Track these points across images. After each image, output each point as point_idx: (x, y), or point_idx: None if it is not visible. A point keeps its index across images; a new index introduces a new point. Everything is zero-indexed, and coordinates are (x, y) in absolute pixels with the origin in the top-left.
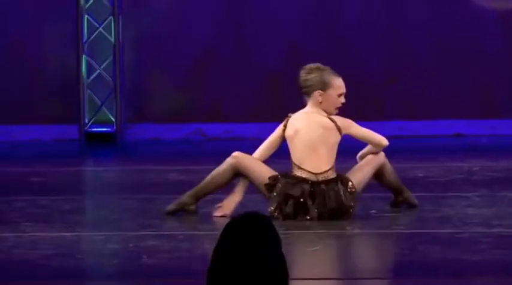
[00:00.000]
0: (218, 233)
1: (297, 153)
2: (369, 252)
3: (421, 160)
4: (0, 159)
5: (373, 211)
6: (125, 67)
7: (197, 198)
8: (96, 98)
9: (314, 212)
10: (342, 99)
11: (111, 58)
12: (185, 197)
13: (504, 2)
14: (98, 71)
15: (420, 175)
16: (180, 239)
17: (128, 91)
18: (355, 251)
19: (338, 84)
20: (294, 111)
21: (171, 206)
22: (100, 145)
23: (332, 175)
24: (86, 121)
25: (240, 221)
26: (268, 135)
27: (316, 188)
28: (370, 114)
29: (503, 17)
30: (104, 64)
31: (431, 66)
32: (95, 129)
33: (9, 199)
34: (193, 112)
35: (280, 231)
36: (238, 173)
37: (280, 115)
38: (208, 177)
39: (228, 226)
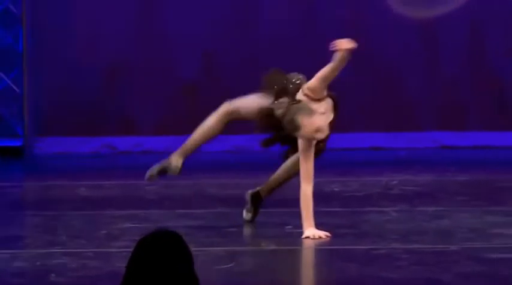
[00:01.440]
0: (128, 250)
1: None
2: (284, 269)
3: (337, 174)
4: None
5: (289, 227)
6: (33, 79)
7: (185, 156)
8: (2, 111)
9: None
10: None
11: (19, 69)
12: (171, 157)
13: (424, 12)
14: (6, 83)
15: (336, 189)
16: (89, 257)
17: (37, 103)
18: (270, 268)
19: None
20: None
21: (153, 168)
22: (7, 159)
23: None
24: None
25: (151, 238)
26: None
27: None
28: None
29: (424, 27)
30: (12, 76)
31: (349, 78)
32: (2, 143)
33: None
34: (103, 125)
35: (193, 248)
36: (231, 119)
37: (193, 127)
38: (197, 133)
39: (139, 243)
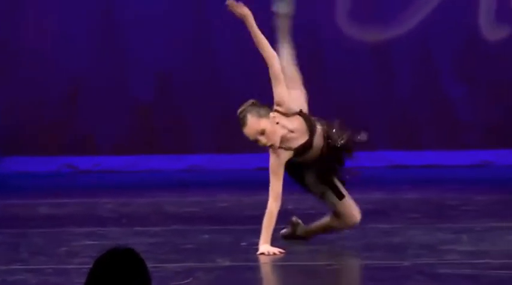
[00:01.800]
0: (87, 267)
1: None
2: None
3: (292, 193)
4: None
5: (244, 243)
6: None
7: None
8: None
9: None
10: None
11: None
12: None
13: (376, 35)
14: None
15: (290, 207)
16: (49, 273)
17: (1, 123)
18: (225, 284)
19: None
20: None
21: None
22: None
23: None
24: None
25: (108, 256)
26: (140, 168)
27: None
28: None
29: (377, 49)
30: None
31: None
32: None
33: None
34: (64, 145)
35: (150, 264)
36: None
37: (150, 147)
38: None
39: (97, 261)
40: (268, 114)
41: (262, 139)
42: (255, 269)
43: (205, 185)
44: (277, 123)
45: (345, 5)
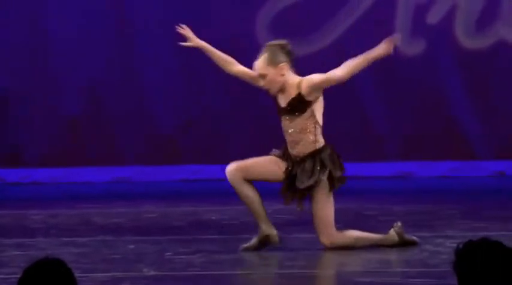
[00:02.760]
0: (16, 276)
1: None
2: None
3: (213, 204)
4: None
5: (169, 253)
6: None
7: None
8: None
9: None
10: (261, 83)
11: None
12: (263, 229)
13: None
14: None
15: (214, 218)
16: None
17: None
18: None
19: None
20: None
21: (250, 245)
22: None
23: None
24: None
25: (36, 266)
26: (64, 180)
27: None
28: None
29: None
30: None
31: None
32: None
33: None
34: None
35: (78, 274)
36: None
37: (79, 159)
38: (252, 207)
39: (25, 271)
40: (282, 62)
41: (261, 81)
42: (180, 278)
43: (131, 197)
44: (283, 75)
45: (265, 19)
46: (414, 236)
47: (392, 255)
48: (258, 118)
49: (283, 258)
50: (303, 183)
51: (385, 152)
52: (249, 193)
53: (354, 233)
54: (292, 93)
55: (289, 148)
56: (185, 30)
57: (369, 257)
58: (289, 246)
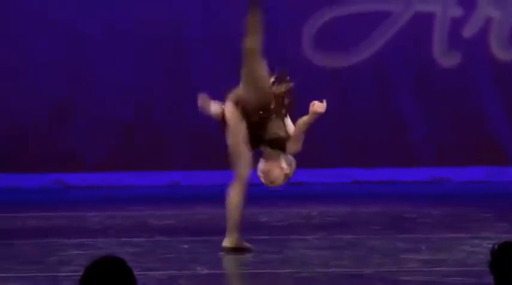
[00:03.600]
0: (77, 274)
1: None
2: None
3: (263, 207)
4: None
5: (221, 253)
6: None
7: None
8: None
9: None
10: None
11: None
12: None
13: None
14: None
15: (263, 219)
16: (41, 281)
17: None
18: None
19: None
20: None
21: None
22: None
23: None
24: None
25: (98, 264)
26: (120, 183)
27: None
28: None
29: (335, 74)
30: None
31: None
32: None
33: None
34: (53, 162)
35: (136, 272)
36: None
37: (134, 164)
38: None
39: (87, 268)
40: None
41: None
42: (229, 276)
43: (185, 200)
44: None
45: (310, 34)
46: (451, 237)
47: (431, 256)
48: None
49: (328, 258)
50: None
51: (421, 159)
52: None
53: None
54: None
55: None
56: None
57: (408, 257)
58: (334, 246)
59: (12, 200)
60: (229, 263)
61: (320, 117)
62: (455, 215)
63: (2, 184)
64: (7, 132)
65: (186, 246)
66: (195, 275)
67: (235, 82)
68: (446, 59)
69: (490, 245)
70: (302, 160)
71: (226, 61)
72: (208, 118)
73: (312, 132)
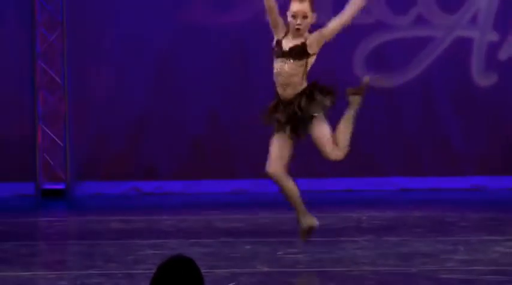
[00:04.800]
0: (151, 272)
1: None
2: None
3: (318, 211)
4: None
5: (280, 253)
6: (74, 132)
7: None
8: (49, 160)
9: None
10: (297, 21)
11: (62, 124)
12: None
13: (388, 81)
14: (52, 137)
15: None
16: (120, 277)
17: (77, 153)
18: None
19: (290, 7)
20: None
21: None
22: (52, 199)
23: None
24: (41, 179)
25: (169, 262)
26: (191, 190)
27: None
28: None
29: (386, 92)
30: (56, 132)
31: None
32: (49, 186)
33: None
34: (130, 171)
35: (203, 270)
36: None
37: (203, 173)
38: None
39: (159, 266)
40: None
41: (298, 20)
42: (289, 274)
43: (249, 205)
44: (312, 23)
45: (361, 57)
46: (487, 239)
47: (468, 256)
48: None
49: (376, 257)
50: (312, 110)
51: (462, 168)
52: (293, 186)
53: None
54: (298, 41)
55: (279, 90)
56: None
57: (448, 257)
58: (381, 247)
59: (98, 205)
60: (285, 261)
61: (369, 134)
62: (492, 219)
63: (89, 191)
64: (95, 143)
65: (248, 247)
66: (255, 273)
67: None
68: (484, 79)
69: None
70: (354, 169)
71: None
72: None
73: (363, 145)
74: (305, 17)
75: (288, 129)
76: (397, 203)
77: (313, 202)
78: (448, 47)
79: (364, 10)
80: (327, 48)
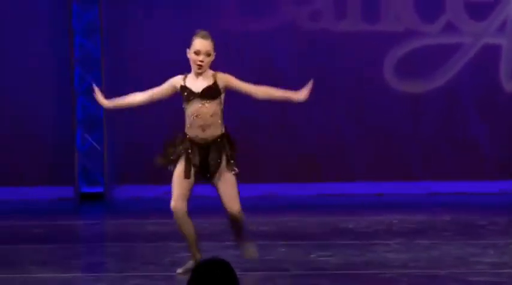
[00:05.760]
0: (189, 274)
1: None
2: None
3: (349, 215)
4: (11, 214)
5: (313, 255)
6: (112, 137)
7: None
8: (88, 164)
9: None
10: (199, 57)
11: (100, 129)
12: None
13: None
14: (90, 143)
15: (350, 226)
16: (158, 279)
17: (114, 158)
18: None
19: (193, 45)
20: None
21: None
22: (91, 202)
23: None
24: (80, 183)
25: (205, 264)
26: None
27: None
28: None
29: (413, 98)
30: (95, 137)
31: (358, 140)
32: (87, 190)
33: (17, 246)
34: (166, 175)
35: (238, 272)
36: None
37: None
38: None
39: (195, 268)
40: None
41: (201, 57)
42: (321, 276)
43: (277, 209)
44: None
45: (391, 63)
46: None
47: (497, 259)
48: (382, 139)
49: (407, 260)
50: (216, 160)
51: (490, 173)
52: (191, 227)
53: None
54: (209, 81)
55: (196, 133)
56: (97, 93)
57: (478, 260)
58: (412, 250)
59: (134, 207)
60: (317, 264)
61: (398, 138)
62: None
63: (126, 194)
64: (132, 148)
65: (283, 249)
66: (289, 275)
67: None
68: (511, 85)
69: None
70: (386, 173)
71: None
72: (304, 135)
73: (395, 150)
74: (208, 54)
75: (197, 172)
76: (426, 206)
77: (344, 206)
78: (476, 53)
79: (394, 18)
80: (356, 54)
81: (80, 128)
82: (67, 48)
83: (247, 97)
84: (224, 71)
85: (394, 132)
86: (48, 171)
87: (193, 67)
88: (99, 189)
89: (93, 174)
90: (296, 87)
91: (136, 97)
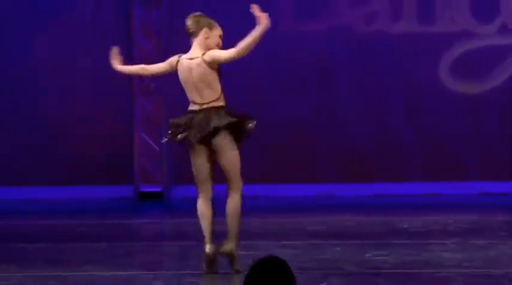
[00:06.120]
0: (244, 272)
1: (188, 93)
2: None
3: (404, 215)
4: (72, 213)
5: (368, 255)
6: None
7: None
8: (146, 164)
9: (193, 136)
10: (220, 41)
11: (158, 130)
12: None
13: (470, 87)
14: (148, 142)
15: (405, 226)
16: (215, 278)
17: (172, 158)
18: None
19: (218, 28)
20: None
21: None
22: (149, 201)
23: (218, 103)
24: (138, 182)
25: (262, 263)
26: (280, 194)
27: (196, 116)
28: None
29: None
30: (154, 138)
31: (415, 141)
32: (146, 189)
33: (75, 245)
34: (222, 175)
35: (294, 271)
36: None
37: (287, 177)
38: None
39: (253, 267)
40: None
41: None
42: (376, 275)
43: (334, 209)
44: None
45: (446, 64)
46: None
47: None
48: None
49: (462, 260)
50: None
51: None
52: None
53: None
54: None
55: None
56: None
57: None
58: (467, 250)
59: (192, 207)
60: (373, 263)
61: (453, 138)
62: None
63: (184, 194)
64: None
65: (338, 248)
66: (344, 273)
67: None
68: None
69: None
70: (439, 174)
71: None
72: (356, 138)
73: (450, 150)
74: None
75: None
76: (482, 207)
77: (400, 206)
78: None
79: (449, 19)
80: (411, 55)
81: (138, 128)
82: (126, 49)
83: (301, 99)
84: (282, 77)
85: (449, 132)
86: (107, 171)
87: (212, 47)
88: (157, 188)
89: (152, 173)
90: (351, 89)
91: (146, 68)
